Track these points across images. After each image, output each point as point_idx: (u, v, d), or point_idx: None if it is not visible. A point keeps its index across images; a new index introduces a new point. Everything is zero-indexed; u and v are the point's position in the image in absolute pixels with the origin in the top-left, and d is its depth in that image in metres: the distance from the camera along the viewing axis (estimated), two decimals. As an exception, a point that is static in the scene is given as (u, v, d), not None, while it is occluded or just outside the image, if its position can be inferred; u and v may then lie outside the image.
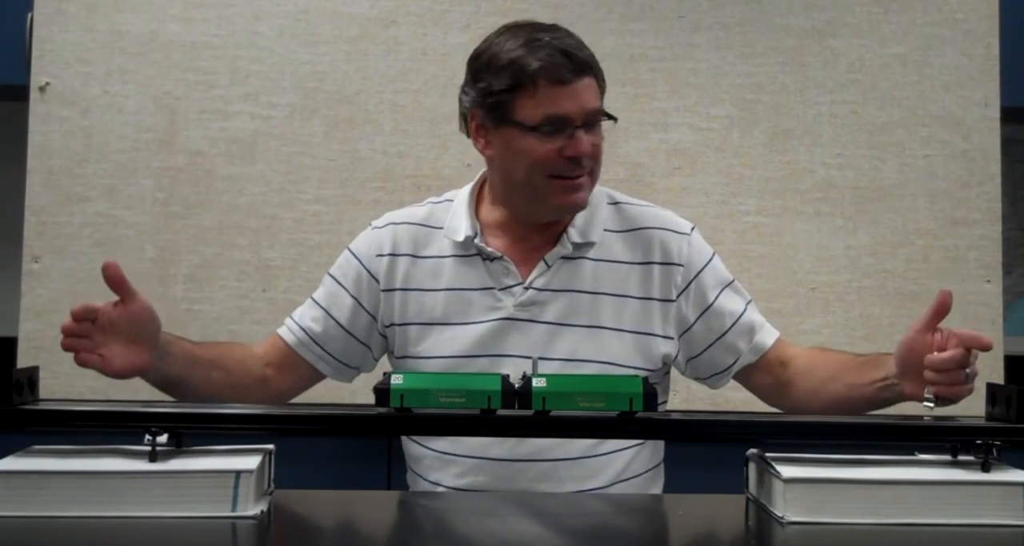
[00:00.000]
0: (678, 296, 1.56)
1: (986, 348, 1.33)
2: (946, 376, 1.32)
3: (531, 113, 1.47)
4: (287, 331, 1.62)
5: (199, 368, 1.52)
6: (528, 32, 1.50)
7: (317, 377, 1.63)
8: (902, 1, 2.16)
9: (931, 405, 1.33)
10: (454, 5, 2.15)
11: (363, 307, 1.59)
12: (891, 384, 1.42)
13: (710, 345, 1.58)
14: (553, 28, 1.52)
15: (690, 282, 1.57)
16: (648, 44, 2.16)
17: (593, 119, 1.50)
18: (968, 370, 1.33)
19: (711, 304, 1.57)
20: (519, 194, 1.55)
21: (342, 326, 1.59)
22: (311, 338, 1.60)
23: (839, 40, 2.16)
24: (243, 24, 2.14)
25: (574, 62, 1.47)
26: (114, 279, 1.39)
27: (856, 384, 1.48)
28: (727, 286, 1.60)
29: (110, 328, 1.39)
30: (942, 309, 1.37)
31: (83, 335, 1.38)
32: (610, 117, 1.52)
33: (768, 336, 1.59)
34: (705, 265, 1.59)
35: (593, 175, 1.53)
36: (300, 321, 1.61)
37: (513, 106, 1.48)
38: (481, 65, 1.52)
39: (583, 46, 1.51)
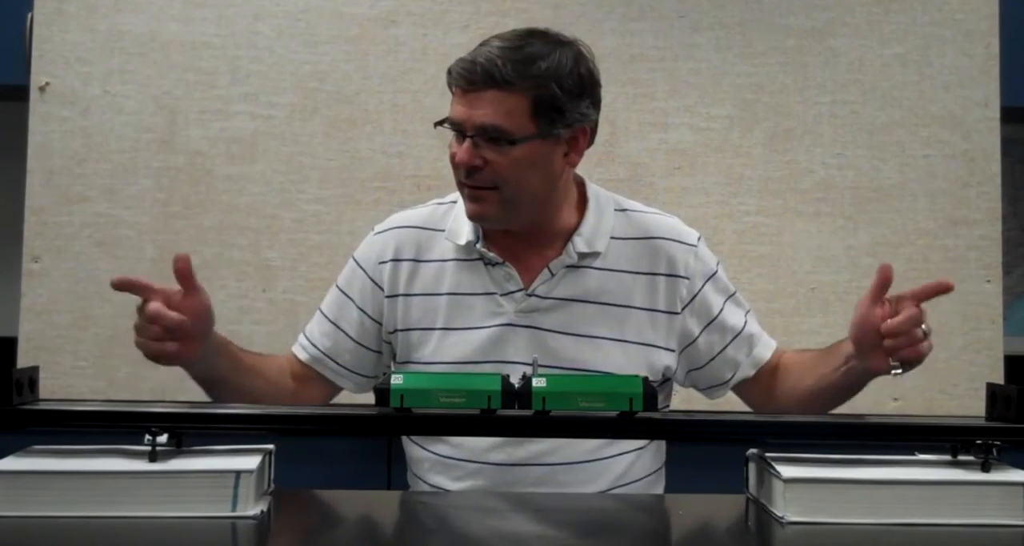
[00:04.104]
0: (683, 309, 1.56)
1: (947, 289, 1.39)
2: (904, 339, 1.37)
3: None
4: (300, 349, 1.62)
5: (242, 373, 1.52)
6: (497, 37, 1.48)
7: (339, 389, 1.63)
8: (902, 1, 2.16)
9: (899, 371, 1.39)
10: (454, 5, 2.15)
11: (369, 316, 1.59)
12: (852, 366, 1.46)
13: (712, 359, 1.58)
14: (519, 37, 1.48)
15: (695, 295, 1.56)
16: (648, 44, 2.16)
17: (482, 133, 1.44)
18: (924, 326, 1.38)
19: (715, 317, 1.57)
20: None
21: (352, 338, 1.59)
22: (324, 354, 1.60)
23: (839, 40, 2.16)
24: (243, 24, 2.14)
25: (476, 72, 1.43)
26: (183, 272, 1.39)
27: (823, 374, 1.51)
28: (730, 298, 1.60)
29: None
30: (885, 281, 1.42)
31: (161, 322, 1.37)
32: (514, 139, 1.43)
33: (765, 349, 1.60)
34: (710, 277, 1.58)
35: (502, 193, 1.46)
36: (311, 337, 1.61)
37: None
38: None
39: (528, 61, 1.44)
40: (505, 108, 1.44)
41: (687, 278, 1.56)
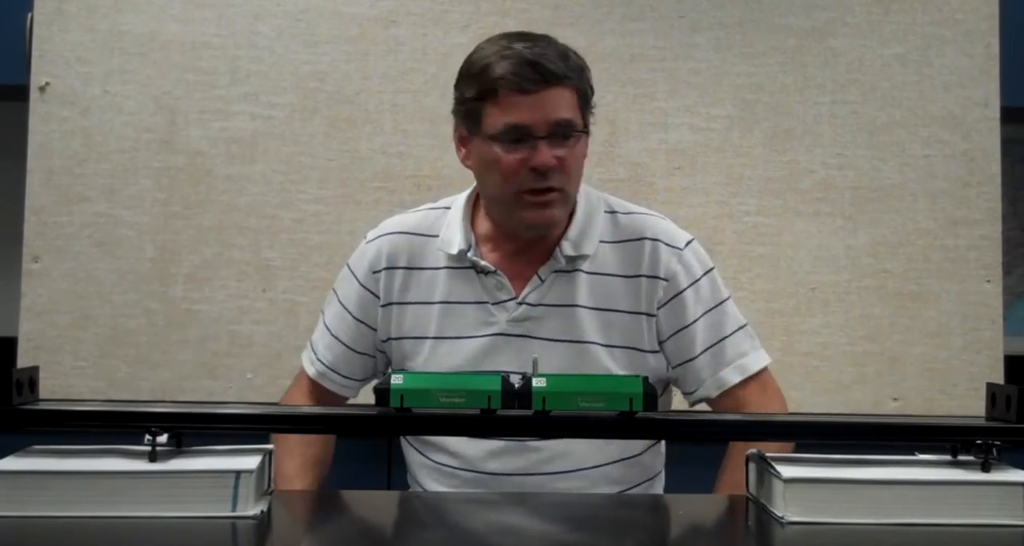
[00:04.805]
0: (658, 309, 1.53)
1: None
2: None
3: (494, 122, 1.44)
4: (309, 363, 1.64)
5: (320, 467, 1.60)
6: (509, 40, 1.46)
7: (348, 398, 1.65)
8: (902, 1, 2.16)
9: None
10: (454, 5, 2.15)
11: (366, 325, 1.59)
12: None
13: (677, 365, 1.55)
14: (536, 37, 1.48)
15: (671, 298, 1.53)
16: (648, 44, 2.15)
17: (558, 130, 1.44)
18: None
19: (685, 327, 1.53)
20: (496, 208, 1.52)
21: (352, 349, 1.60)
22: (328, 367, 1.62)
23: (839, 40, 2.16)
24: (243, 24, 2.14)
25: (539, 71, 1.42)
26: None
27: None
28: (712, 309, 1.54)
29: None
30: None
31: None
32: (581, 130, 1.46)
33: (734, 373, 1.53)
34: (691, 284, 1.53)
35: (564, 192, 1.47)
36: (316, 349, 1.63)
37: (481, 115, 1.46)
38: (460, 72, 1.50)
39: (565, 57, 1.45)
40: (568, 102, 1.45)
41: (665, 280, 1.52)
